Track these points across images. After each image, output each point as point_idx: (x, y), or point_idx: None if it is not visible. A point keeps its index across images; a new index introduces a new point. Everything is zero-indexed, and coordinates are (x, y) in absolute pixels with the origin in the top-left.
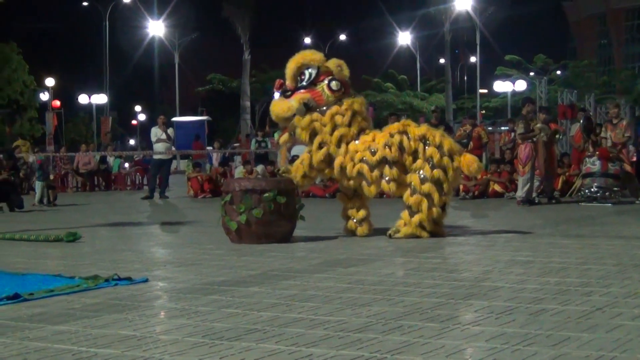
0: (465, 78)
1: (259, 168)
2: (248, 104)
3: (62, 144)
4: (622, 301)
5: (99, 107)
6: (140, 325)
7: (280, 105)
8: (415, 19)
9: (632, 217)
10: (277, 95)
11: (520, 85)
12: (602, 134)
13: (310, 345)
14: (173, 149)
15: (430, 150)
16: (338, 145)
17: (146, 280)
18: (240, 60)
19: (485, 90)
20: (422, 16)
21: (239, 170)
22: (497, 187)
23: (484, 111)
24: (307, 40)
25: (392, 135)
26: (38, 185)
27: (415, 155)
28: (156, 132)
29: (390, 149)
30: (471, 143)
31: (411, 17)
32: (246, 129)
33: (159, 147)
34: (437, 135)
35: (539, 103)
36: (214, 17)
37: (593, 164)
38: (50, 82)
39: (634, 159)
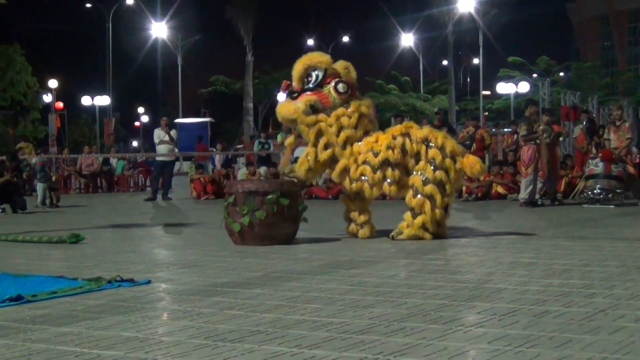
0: (468, 80)
1: (262, 170)
2: (251, 105)
3: (65, 145)
4: (625, 303)
5: (102, 109)
6: (143, 327)
7: (286, 107)
8: (418, 21)
9: (635, 219)
10: (283, 96)
11: (523, 86)
12: (605, 136)
13: (312, 347)
14: (176, 150)
15: (432, 151)
16: (343, 147)
17: (149, 282)
18: (243, 61)
19: (488, 92)
20: (425, 18)
21: (242, 172)
22: (500, 189)
23: (486, 113)
24: (310, 41)
25: (394, 137)
26: (40, 187)
27: (417, 157)
28: (159, 134)
29: (393, 151)
30: (474, 145)
31: (414, 18)
32: (249, 131)
33: (161, 148)
34: (439, 136)
35: (541, 105)
36: (216, 18)
37: (596, 165)
38: (53, 83)
39: (637, 160)
